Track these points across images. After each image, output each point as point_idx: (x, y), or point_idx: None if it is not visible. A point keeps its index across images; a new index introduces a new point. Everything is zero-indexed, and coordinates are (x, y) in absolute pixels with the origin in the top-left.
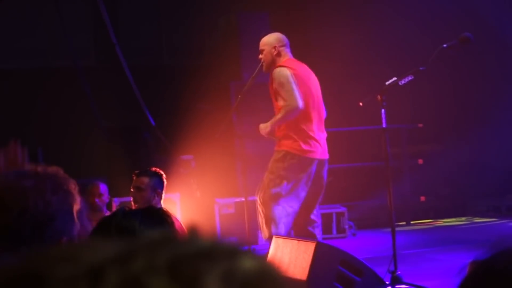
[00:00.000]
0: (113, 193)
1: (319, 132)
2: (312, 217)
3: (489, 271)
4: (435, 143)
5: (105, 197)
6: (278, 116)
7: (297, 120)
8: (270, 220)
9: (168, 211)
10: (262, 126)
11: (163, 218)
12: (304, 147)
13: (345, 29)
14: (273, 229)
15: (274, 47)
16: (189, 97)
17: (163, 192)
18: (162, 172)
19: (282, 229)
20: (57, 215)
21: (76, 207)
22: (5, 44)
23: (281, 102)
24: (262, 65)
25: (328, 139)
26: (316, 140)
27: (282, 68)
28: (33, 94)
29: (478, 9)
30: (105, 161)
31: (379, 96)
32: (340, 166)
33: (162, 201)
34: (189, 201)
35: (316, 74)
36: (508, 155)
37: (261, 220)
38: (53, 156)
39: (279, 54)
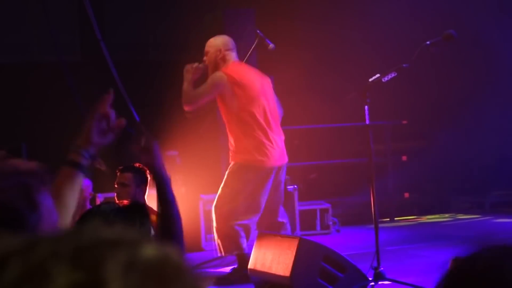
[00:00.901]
0: (97, 188)
1: (274, 137)
2: (279, 219)
3: (469, 270)
4: (419, 139)
5: (87, 193)
6: (189, 91)
7: (248, 129)
8: (225, 238)
9: (147, 208)
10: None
11: (138, 211)
12: (259, 157)
13: (330, 25)
14: (230, 245)
15: (220, 50)
16: (174, 92)
17: (147, 187)
18: (145, 168)
19: (244, 244)
20: (8, 213)
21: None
22: None
23: (195, 90)
24: (206, 69)
25: (311, 136)
26: (271, 146)
27: (220, 73)
28: (18, 89)
29: (461, 5)
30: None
31: (362, 93)
32: (324, 162)
33: (146, 197)
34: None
35: (301, 70)
36: (492, 152)
37: (215, 236)
38: (38, 151)
39: (223, 58)
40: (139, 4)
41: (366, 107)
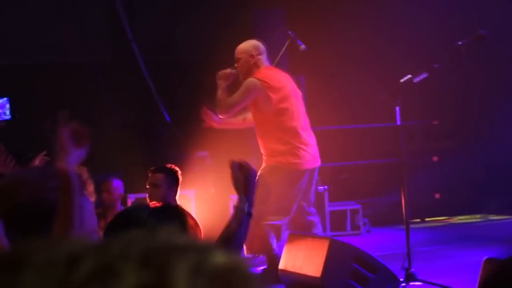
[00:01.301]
0: (128, 189)
1: (307, 139)
2: (310, 218)
3: (506, 276)
4: (450, 140)
5: (117, 193)
6: (224, 99)
7: (281, 132)
8: (254, 238)
9: (182, 208)
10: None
11: (175, 215)
12: (292, 159)
13: (361, 25)
14: (260, 246)
15: (252, 56)
16: (204, 92)
17: (178, 188)
18: (177, 169)
19: (274, 244)
20: (52, 211)
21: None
22: (23, 39)
23: (230, 98)
24: (237, 75)
25: (342, 137)
26: (304, 149)
27: (253, 79)
28: (49, 90)
29: (494, 5)
30: (121, 157)
31: (393, 94)
32: (354, 163)
33: (177, 198)
34: (204, 198)
35: (331, 71)
36: None
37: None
38: None
39: (256, 64)
40: (169, 4)
41: (397, 108)
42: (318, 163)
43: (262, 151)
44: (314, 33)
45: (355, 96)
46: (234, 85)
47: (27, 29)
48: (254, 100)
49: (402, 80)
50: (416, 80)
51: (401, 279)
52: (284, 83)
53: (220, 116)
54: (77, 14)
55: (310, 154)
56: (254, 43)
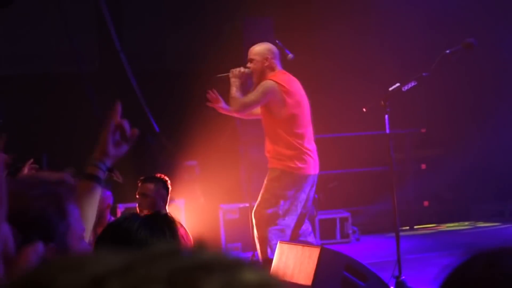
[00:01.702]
0: (118, 199)
1: (311, 146)
2: (304, 226)
3: (463, 279)
4: (438, 147)
5: (106, 203)
6: (232, 102)
7: (291, 137)
8: (264, 242)
9: (172, 217)
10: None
11: (165, 224)
12: (299, 164)
13: (349, 34)
14: (269, 252)
15: (267, 59)
16: (193, 102)
17: (168, 198)
18: (167, 178)
19: (272, 249)
20: (38, 220)
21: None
22: (9, 50)
23: (246, 97)
24: (250, 75)
25: (331, 145)
26: (309, 155)
27: (271, 82)
28: (37, 100)
29: (479, 13)
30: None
31: (382, 102)
32: (343, 171)
33: (167, 207)
34: (193, 207)
35: (320, 79)
36: (511, 159)
37: (256, 241)
38: (58, 161)
39: (270, 67)
40: (157, 14)
41: (386, 116)
42: (318, 171)
43: (267, 153)
44: (303, 41)
45: (344, 104)
46: (244, 86)
47: (15, 39)
48: (269, 102)
49: (391, 89)
50: (405, 88)
51: (392, 287)
52: (298, 90)
53: (235, 115)
54: (65, 24)
55: (314, 161)
56: (269, 46)
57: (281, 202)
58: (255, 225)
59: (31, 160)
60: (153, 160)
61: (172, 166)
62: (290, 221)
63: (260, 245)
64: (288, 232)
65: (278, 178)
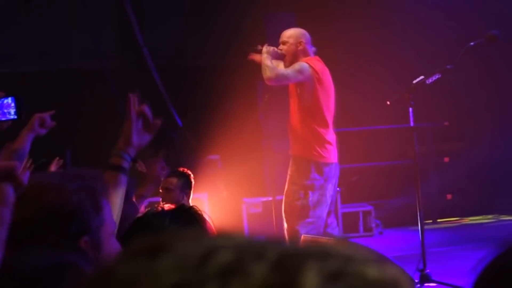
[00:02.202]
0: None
1: (333, 136)
2: (330, 219)
3: (504, 268)
4: (461, 141)
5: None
6: (266, 69)
7: (315, 124)
8: (295, 236)
9: (199, 210)
10: (264, 55)
11: (193, 217)
12: (323, 153)
13: (372, 27)
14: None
15: (300, 43)
16: (215, 97)
17: (191, 192)
18: (190, 173)
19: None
20: (76, 213)
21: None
22: (34, 47)
23: (282, 69)
24: (282, 57)
25: (354, 138)
26: (331, 144)
27: (307, 65)
28: (61, 96)
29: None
30: (133, 162)
31: (406, 95)
32: (366, 165)
33: (190, 201)
34: (217, 201)
35: (343, 74)
36: None
37: (285, 234)
38: (82, 158)
39: (303, 51)
40: (179, 9)
41: (410, 109)
42: (337, 159)
43: (291, 137)
44: (325, 36)
45: (368, 97)
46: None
47: (39, 37)
48: (300, 84)
49: (415, 82)
50: (429, 81)
51: (416, 281)
52: (328, 79)
53: (269, 83)
54: (88, 21)
55: (335, 150)
56: (302, 31)
57: (310, 193)
58: (285, 218)
59: (57, 158)
60: (176, 154)
61: (195, 161)
62: (320, 212)
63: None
64: (321, 223)
65: (304, 169)
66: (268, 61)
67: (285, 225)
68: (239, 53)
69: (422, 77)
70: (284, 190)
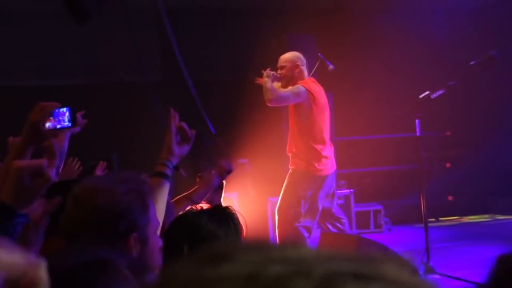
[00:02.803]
0: (180, 193)
1: (329, 149)
2: (336, 215)
3: None
4: (461, 148)
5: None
6: (266, 92)
7: (312, 141)
8: (291, 238)
9: (233, 209)
10: (265, 79)
11: (228, 216)
12: (318, 166)
13: (384, 48)
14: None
15: (297, 66)
16: (244, 108)
17: (223, 191)
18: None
19: (308, 243)
20: (125, 212)
21: (149, 208)
22: (85, 62)
23: (281, 91)
24: (279, 79)
25: (366, 145)
26: (327, 158)
27: (302, 87)
28: (109, 106)
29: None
30: (175, 169)
31: (414, 108)
32: (377, 169)
33: (222, 200)
34: (245, 200)
35: (357, 89)
36: None
37: (277, 237)
38: (126, 161)
39: (300, 73)
40: (213, 30)
41: (417, 120)
42: (335, 168)
43: (289, 152)
44: (341, 55)
45: (378, 110)
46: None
47: (90, 54)
48: (297, 105)
49: (421, 96)
50: (434, 96)
51: (421, 273)
52: (323, 98)
53: (269, 104)
54: (133, 39)
55: (331, 162)
56: (298, 54)
57: (302, 202)
58: (278, 223)
59: (102, 161)
60: (209, 158)
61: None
62: (312, 217)
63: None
64: (312, 227)
65: (301, 180)
66: (269, 84)
67: (277, 229)
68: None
69: (427, 92)
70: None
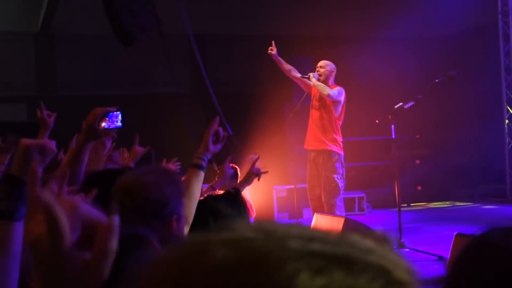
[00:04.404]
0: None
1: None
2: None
3: (485, 244)
4: (428, 148)
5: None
6: (323, 89)
7: (337, 129)
8: (333, 209)
9: (242, 194)
10: (313, 79)
11: (239, 199)
12: (340, 148)
13: (368, 69)
14: (338, 211)
15: (333, 71)
16: (255, 114)
17: (238, 180)
18: (237, 167)
19: (343, 210)
20: (169, 200)
21: (183, 194)
22: (127, 77)
23: (331, 89)
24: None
25: (354, 145)
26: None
27: (342, 89)
28: (147, 113)
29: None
30: (209, 162)
31: (390, 116)
32: (361, 164)
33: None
34: (254, 188)
35: (348, 101)
36: (480, 157)
37: (327, 209)
38: (162, 156)
39: (333, 77)
40: (231, 52)
41: (392, 126)
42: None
43: (320, 137)
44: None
45: (362, 117)
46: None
47: (132, 69)
48: (338, 102)
49: (396, 107)
50: (406, 106)
51: (395, 247)
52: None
53: (327, 98)
54: (167, 57)
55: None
56: (333, 64)
57: (341, 179)
58: (328, 200)
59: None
60: (227, 154)
61: (241, 158)
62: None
63: (329, 210)
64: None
65: (339, 160)
66: (320, 83)
67: (327, 206)
68: (272, 83)
69: (401, 103)
70: (303, 180)
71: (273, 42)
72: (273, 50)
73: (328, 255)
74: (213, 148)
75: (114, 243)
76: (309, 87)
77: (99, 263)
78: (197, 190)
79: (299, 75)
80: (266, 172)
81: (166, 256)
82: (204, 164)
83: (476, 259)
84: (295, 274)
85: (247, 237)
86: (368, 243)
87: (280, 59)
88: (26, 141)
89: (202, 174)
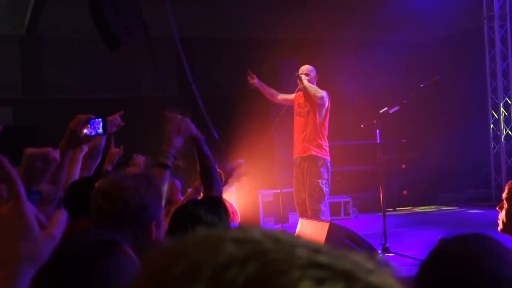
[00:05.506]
0: (187, 185)
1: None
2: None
3: (442, 255)
4: (414, 153)
5: (178, 191)
6: (317, 91)
7: (323, 135)
8: (317, 214)
9: (222, 199)
10: (305, 81)
11: (221, 206)
12: (327, 153)
13: (355, 74)
14: (323, 217)
15: (316, 77)
16: (241, 118)
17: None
18: (221, 171)
19: (327, 215)
20: (148, 205)
21: (162, 198)
22: (113, 79)
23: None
24: (301, 81)
25: (340, 150)
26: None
27: (326, 92)
28: (133, 116)
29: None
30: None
31: (375, 121)
32: (347, 168)
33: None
34: (241, 192)
35: (334, 106)
36: (466, 162)
37: (311, 214)
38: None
39: (316, 83)
40: (219, 55)
41: (377, 130)
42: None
43: (307, 143)
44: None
45: (348, 122)
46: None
47: (118, 73)
48: (322, 105)
49: (381, 111)
50: (391, 111)
51: (379, 251)
52: None
53: (318, 101)
54: (153, 62)
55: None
56: (313, 68)
57: (326, 184)
58: (313, 204)
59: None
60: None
61: (227, 163)
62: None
63: (314, 215)
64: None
65: (325, 166)
66: (314, 86)
67: (312, 210)
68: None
69: (386, 108)
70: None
71: (249, 70)
72: (254, 79)
73: (332, 268)
74: (177, 142)
75: None
76: (292, 101)
77: None
78: (164, 191)
79: (282, 96)
80: (242, 172)
81: (176, 246)
82: (169, 162)
83: (434, 268)
84: (299, 280)
85: (257, 239)
86: (370, 264)
87: (263, 84)
88: (30, 150)
89: (167, 174)
